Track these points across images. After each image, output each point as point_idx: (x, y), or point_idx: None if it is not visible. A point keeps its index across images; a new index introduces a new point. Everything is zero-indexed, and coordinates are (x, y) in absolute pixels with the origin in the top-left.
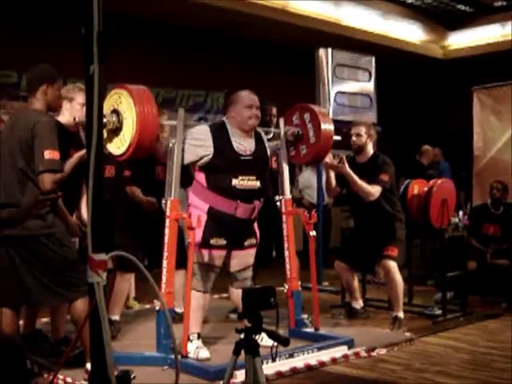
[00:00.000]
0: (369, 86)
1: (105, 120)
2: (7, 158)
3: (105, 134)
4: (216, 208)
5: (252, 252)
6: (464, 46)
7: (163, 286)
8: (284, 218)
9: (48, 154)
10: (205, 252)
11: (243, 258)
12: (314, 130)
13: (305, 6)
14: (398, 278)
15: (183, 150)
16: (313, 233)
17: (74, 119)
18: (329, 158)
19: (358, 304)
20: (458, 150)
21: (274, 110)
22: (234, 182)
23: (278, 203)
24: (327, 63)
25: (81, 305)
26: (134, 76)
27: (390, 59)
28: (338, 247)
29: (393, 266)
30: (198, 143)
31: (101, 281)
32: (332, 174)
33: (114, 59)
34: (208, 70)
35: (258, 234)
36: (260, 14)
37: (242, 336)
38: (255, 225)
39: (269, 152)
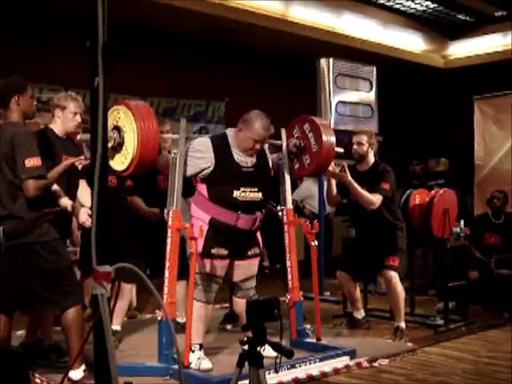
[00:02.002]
0: (370, 96)
1: None
2: None
3: None
4: (217, 219)
5: (255, 262)
6: (465, 55)
7: (165, 296)
8: (286, 227)
9: (29, 162)
10: (206, 262)
11: (246, 268)
12: (315, 138)
13: (305, 15)
14: (399, 288)
15: (185, 162)
16: (315, 242)
17: (77, 134)
18: (331, 166)
19: (360, 314)
20: (459, 159)
21: None
22: (236, 193)
23: (280, 213)
24: (328, 73)
25: (73, 313)
26: (136, 85)
27: (391, 69)
28: (339, 257)
29: (394, 276)
30: (198, 155)
31: (105, 293)
32: (333, 182)
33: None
34: (209, 80)
35: (260, 244)
36: (261, 24)
37: (246, 348)
38: (258, 235)
39: (271, 164)
